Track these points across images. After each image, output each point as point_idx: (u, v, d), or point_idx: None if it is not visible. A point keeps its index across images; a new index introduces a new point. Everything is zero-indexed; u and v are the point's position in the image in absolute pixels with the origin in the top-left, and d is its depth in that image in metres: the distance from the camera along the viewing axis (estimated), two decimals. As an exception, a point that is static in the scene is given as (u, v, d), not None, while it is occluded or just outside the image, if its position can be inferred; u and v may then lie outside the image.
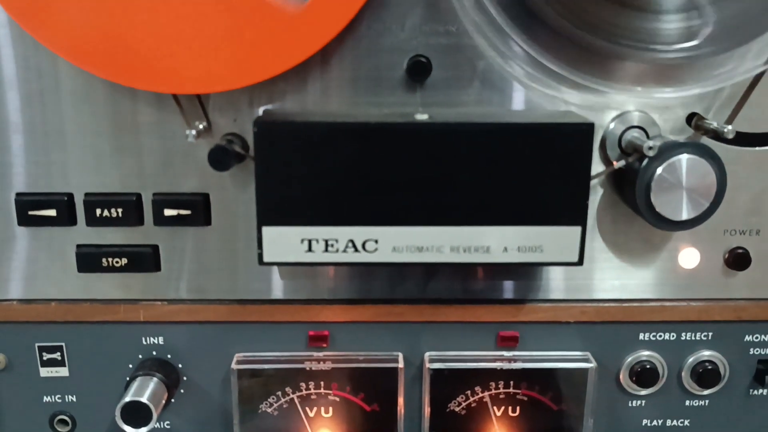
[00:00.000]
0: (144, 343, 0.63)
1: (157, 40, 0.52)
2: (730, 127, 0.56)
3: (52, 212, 0.59)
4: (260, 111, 0.57)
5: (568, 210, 0.54)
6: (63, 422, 0.65)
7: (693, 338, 0.64)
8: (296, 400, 0.63)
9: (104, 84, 0.56)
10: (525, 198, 0.54)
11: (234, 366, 0.62)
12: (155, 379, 0.61)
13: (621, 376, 0.64)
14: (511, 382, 0.63)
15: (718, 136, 0.57)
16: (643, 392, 0.65)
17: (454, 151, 0.53)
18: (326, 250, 0.55)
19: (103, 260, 0.60)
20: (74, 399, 0.65)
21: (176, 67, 0.52)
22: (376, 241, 0.55)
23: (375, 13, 0.55)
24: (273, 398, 0.63)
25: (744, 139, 0.59)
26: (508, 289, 0.62)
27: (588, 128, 0.53)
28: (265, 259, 0.55)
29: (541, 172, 0.53)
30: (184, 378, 0.64)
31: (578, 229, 0.55)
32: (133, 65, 0.52)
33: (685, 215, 0.56)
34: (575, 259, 0.55)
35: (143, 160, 0.59)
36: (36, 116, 0.57)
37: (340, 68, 0.56)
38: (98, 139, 0.58)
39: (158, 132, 0.58)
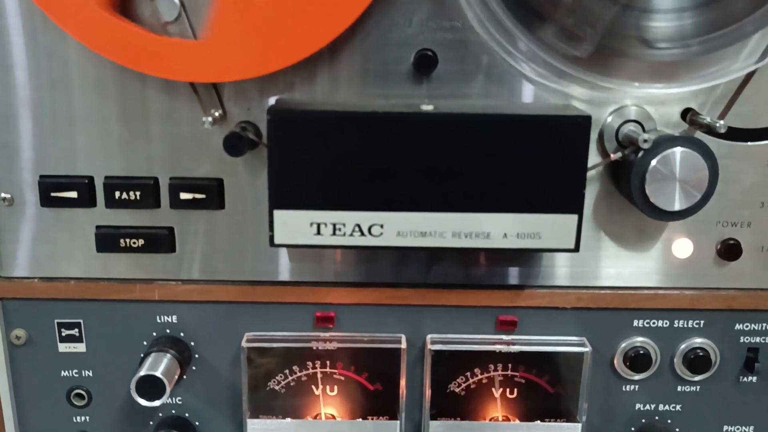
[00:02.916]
0: (158, 321, 0.66)
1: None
2: (722, 122, 0.58)
3: (74, 194, 0.62)
4: (273, 100, 0.60)
5: (566, 199, 0.56)
6: (80, 396, 0.68)
7: (685, 326, 0.66)
8: (303, 379, 0.66)
9: (124, 72, 0.58)
10: (524, 186, 0.56)
11: (244, 344, 0.65)
12: (169, 355, 0.64)
13: (615, 361, 0.67)
14: (510, 365, 0.65)
15: (711, 130, 0.59)
16: (637, 377, 0.67)
17: (457, 141, 0.55)
18: (334, 233, 0.57)
19: (121, 241, 0.63)
20: (91, 374, 0.67)
21: (195, 56, 0.55)
22: (382, 226, 0.57)
23: (383, 9, 0.57)
24: (281, 376, 0.65)
25: (736, 134, 0.61)
26: (508, 275, 0.65)
27: (585, 121, 0.55)
28: (276, 241, 0.58)
29: (540, 162, 0.56)
30: (196, 355, 0.66)
31: (575, 217, 0.57)
32: (155, 54, 0.55)
33: (677, 206, 0.58)
34: (572, 245, 0.58)
35: (161, 145, 0.61)
36: (58, 103, 0.60)
37: (350, 60, 0.59)
38: (117, 125, 0.60)
39: (175, 119, 0.60)
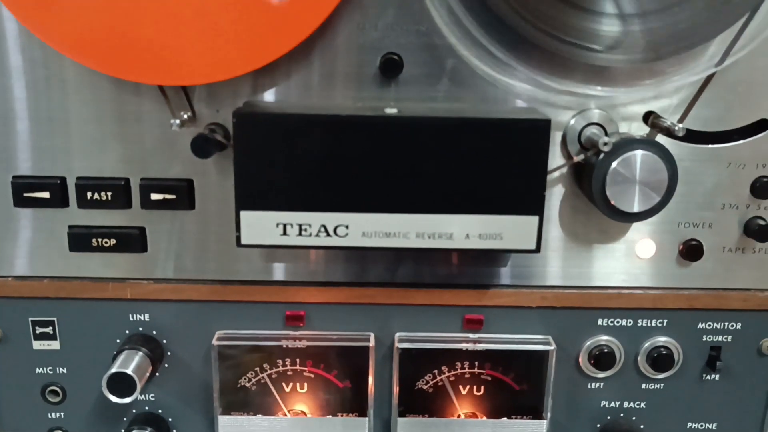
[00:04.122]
0: (131, 319, 0.66)
1: (144, 35, 0.55)
2: (681, 125, 0.59)
3: (46, 194, 0.62)
4: (241, 103, 0.60)
5: (527, 200, 0.57)
6: (54, 393, 0.68)
7: (649, 324, 0.67)
8: (273, 376, 0.67)
9: (94, 74, 0.59)
10: (486, 188, 0.57)
11: (215, 342, 0.65)
12: (140, 353, 0.64)
13: (580, 360, 0.68)
14: (476, 363, 0.66)
15: (671, 133, 0.60)
16: (601, 375, 0.68)
17: (420, 144, 0.56)
18: (300, 234, 0.58)
19: (93, 240, 0.64)
20: (65, 371, 0.68)
21: (163, 60, 0.56)
22: (347, 227, 0.58)
23: (350, 13, 0.58)
24: (251, 374, 0.66)
25: (698, 137, 0.62)
26: (474, 274, 0.65)
27: (545, 124, 0.56)
28: (243, 241, 0.59)
29: (501, 164, 0.56)
30: (168, 353, 0.67)
31: (536, 218, 0.58)
32: (122, 57, 0.56)
33: (637, 208, 0.59)
34: (533, 246, 0.59)
35: (132, 147, 0.62)
36: (32, 104, 0.61)
37: (318, 64, 0.60)
38: (89, 126, 0.61)
39: (146, 120, 0.61)
